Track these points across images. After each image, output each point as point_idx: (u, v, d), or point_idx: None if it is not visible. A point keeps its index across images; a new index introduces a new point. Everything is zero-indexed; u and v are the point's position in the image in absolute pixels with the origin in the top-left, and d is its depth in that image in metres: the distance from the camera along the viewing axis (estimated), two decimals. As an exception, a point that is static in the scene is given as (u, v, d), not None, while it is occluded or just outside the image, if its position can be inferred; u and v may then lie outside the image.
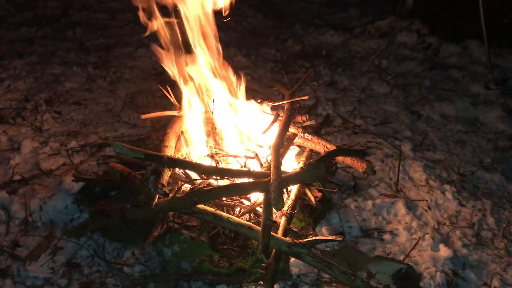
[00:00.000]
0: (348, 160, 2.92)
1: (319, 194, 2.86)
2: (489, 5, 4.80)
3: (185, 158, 2.81)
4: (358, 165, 2.86)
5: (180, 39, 2.81)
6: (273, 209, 2.30)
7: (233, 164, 2.79)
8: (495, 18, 5.23)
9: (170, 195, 2.42)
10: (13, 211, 2.72)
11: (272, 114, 2.97)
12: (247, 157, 2.70)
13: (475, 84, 4.73)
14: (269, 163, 2.58)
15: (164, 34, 2.79)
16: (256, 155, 2.68)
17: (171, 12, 2.74)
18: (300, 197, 2.77)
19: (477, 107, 4.33)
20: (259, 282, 2.34)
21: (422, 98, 4.48)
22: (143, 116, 3.19)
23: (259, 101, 3.12)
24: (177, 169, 2.70)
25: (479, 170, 3.44)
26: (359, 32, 6.16)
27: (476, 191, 3.23)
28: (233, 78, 3.00)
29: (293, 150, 2.98)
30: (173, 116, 3.15)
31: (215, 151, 2.75)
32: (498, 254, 2.71)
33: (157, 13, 2.72)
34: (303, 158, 3.01)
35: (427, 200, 3.06)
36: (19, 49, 5.12)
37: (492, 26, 4.95)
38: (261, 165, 2.60)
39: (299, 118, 3.18)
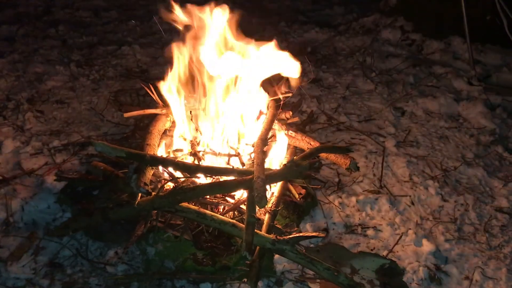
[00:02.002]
0: (332, 157, 2.94)
1: (303, 191, 2.86)
2: (472, 1, 4.85)
3: (168, 156, 2.80)
4: (342, 162, 2.88)
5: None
6: (257, 206, 2.30)
7: (217, 162, 2.78)
8: (478, 15, 5.28)
9: (153, 193, 2.41)
10: (-6, 211, 2.68)
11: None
12: (230, 155, 2.69)
13: (458, 80, 4.78)
14: (253, 160, 2.58)
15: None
16: (238, 153, 2.67)
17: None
18: (284, 194, 2.77)
19: (460, 103, 4.37)
20: (243, 280, 2.34)
21: (406, 94, 4.51)
22: (126, 115, 3.17)
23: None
24: (160, 168, 2.69)
25: (462, 165, 3.48)
26: (343, 29, 6.18)
27: (459, 186, 3.27)
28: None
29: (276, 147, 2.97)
30: (156, 114, 3.14)
31: (198, 149, 2.74)
32: (480, 248, 2.74)
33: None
34: (287, 155, 3.01)
35: (410, 196, 3.08)
36: (0, 47, 5.04)
37: (475, 23, 5.00)
38: (243, 164, 2.59)
39: (283, 115, 3.19)
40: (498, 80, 4.94)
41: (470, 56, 5.03)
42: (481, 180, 3.38)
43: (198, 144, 2.75)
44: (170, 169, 2.61)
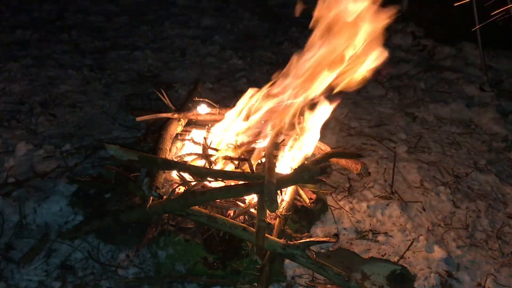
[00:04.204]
0: (342, 162, 2.93)
1: (313, 196, 2.86)
2: (484, 7, 4.82)
3: (179, 160, 2.81)
4: (353, 167, 2.87)
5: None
6: (267, 210, 2.30)
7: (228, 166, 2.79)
8: (490, 21, 5.25)
9: (164, 197, 2.42)
10: (7, 214, 2.70)
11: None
12: (240, 159, 2.70)
13: (470, 86, 4.76)
14: (263, 164, 2.58)
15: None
16: (249, 158, 2.67)
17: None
18: (295, 198, 2.77)
19: (472, 109, 4.35)
20: (253, 284, 2.34)
21: (417, 100, 4.50)
22: (138, 118, 3.19)
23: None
24: (172, 171, 2.70)
25: (474, 172, 3.46)
26: (354, 34, 6.17)
27: (471, 193, 3.25)
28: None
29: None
30: (168, 119, 3.15)
31: (209, 153, 2.74)
32: (492, 255, 2.72)
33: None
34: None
35: (421, 202, 3.07)
36: (14, 51, 5.10)
37: (487, 29, 4.97)
38: (252, 170, 2.57)
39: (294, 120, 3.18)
40: (510, 86, 4.91)
41: (482, 61, 5.01)
42: (493, 186, 3.35)
43: (209, 147, 2.76)
44: (182, 172, 2.62)
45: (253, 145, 2.88)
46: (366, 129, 3.97)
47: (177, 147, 2.98)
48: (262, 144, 2.85)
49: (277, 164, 2.66)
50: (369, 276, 2.45)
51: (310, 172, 2.46)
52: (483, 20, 4.79)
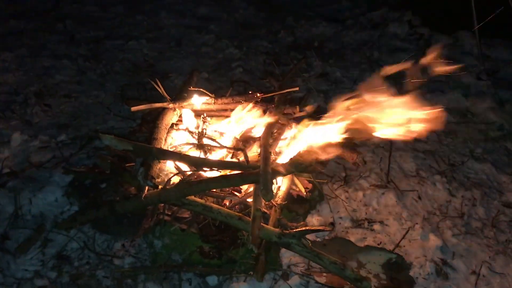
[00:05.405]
0: (339, 151, 2.93)
1: (309, 185, 2.86)
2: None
3: (174, 149, 2.80)
4: (349, 156, 2.87)
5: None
6: (263, 200, 2.30)
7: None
8: (487, 9, 5.22)
9: (160, 187, 2.42)
10: (2, 204, 2.70)
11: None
12: (235, 149, 2.69)
13: (467, 75, 4.74)
14: (259, 154, 2.58)
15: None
16: (244, 149, 2.66)
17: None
18: (291, 188, 2.77)
19: (468, 98, 4.34)
20: (249, 273, 2.35)
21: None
22: (133, 109, 3.17)
23: (250, 92, 3.12)
24: (167, 161, 2.69)
25: (470, 160, 3.46)
26: (351, 23, 6.15)
27: (466, 181, 3.25)
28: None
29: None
30: (164, 108, 3.14)
31: (204, 142, 2.74)
32: (487, 243, 2.73)
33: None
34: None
35: (417, 191, 3.07)
36: (8, 42, 5.07)
37: (484, 17, 4.95)
38: (248, 161, 2.57)
39: (290, 110, 3.18)
40: (507, 75, 4.90)
41: (479, 51, 4.98)
42: (489, 175, 3.35)
43: (205, 135, 2.74)
44: (177, 162, 2.61)
45: (248, 135, 2.88)
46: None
47: (172, 137, 2.96)
48: (258, 133, 2.84)
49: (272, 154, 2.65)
50: (364, 264, 2.46)
51: (305, 161, 2.46)
52: (480, 9, 4.78)
